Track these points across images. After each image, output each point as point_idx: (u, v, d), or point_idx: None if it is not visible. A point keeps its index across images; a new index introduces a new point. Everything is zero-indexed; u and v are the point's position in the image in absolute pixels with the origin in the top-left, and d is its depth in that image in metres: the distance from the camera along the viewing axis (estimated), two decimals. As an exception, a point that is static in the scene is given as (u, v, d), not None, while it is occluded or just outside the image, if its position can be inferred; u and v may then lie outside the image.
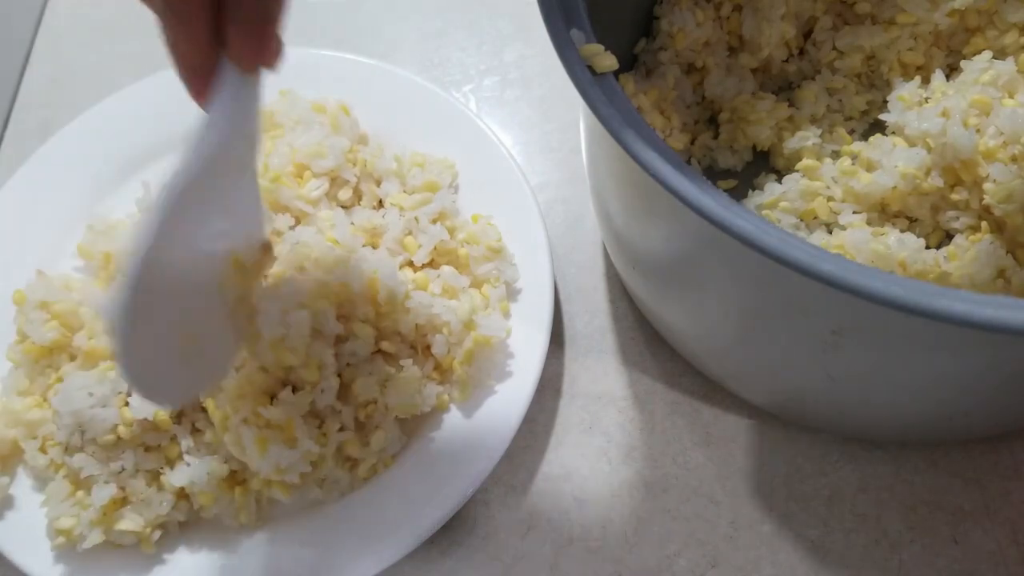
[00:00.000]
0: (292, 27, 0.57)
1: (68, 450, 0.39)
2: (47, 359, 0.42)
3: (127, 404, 0.39)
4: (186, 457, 0.39)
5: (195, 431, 0.40)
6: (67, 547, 0.39)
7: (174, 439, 0.40)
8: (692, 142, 0.48)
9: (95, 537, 0.38)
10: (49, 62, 0.58)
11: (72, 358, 0.42)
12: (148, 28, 0.63)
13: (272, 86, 0.48)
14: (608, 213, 0.39)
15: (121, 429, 0.38)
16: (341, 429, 0.40)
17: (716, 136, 0.48)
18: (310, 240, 0.40)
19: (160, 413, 0.38)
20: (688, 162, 0.47)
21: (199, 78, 0.29)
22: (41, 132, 0.55)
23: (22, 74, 0.57)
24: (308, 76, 0.50)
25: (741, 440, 0.43)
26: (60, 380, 0.41)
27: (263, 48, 0.28)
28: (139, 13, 0.61)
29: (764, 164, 0.48)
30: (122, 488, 0.39)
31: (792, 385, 0.37)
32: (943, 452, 0.42)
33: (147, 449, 0.40)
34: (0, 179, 0.49)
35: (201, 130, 0.28)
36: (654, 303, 0.41)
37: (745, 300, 0.32)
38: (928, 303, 0.24)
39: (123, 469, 0.39)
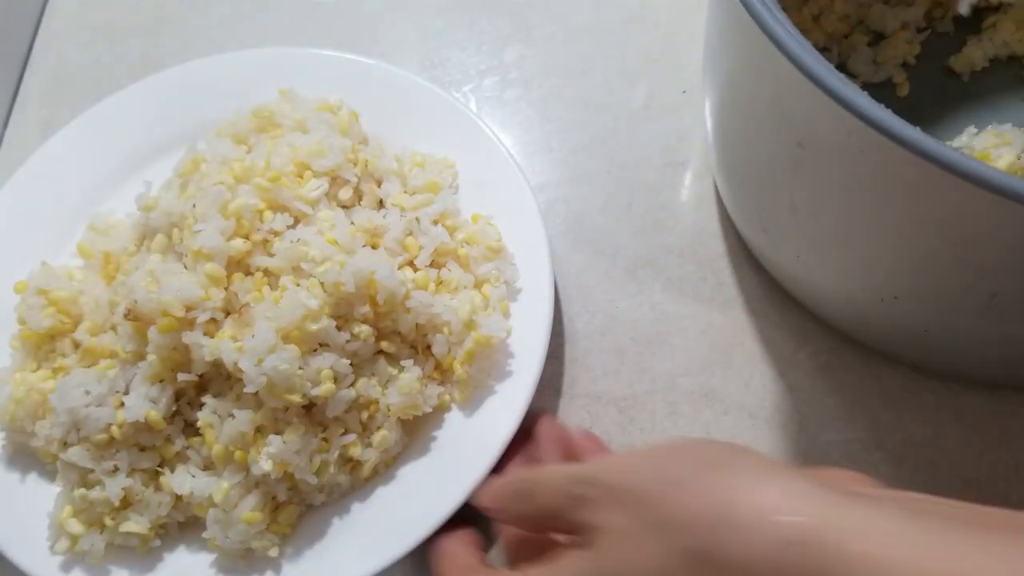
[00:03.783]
0: (292, 27, 0.58)
1: (64, 445, 0.39)
2: (48, 345, 0.42)
3: (122, 404, 0.39)
4: (191, 468, 0.39)
5: (189, 432, 0.40)
6: (69, 551, 0.39)
7: (168, 439, 0.40)
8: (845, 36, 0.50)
9: (99, 546, 0.39)
10: (49, 62, 0.58)
11: (76, 346, 0.42)
12: (148, 28, 0.63)
13: (272, 86, 0.49)
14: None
15: (114, 429, 0.38)
16: (344, 433, 0.40)
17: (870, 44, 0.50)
18: (309, 239, 0.40)
19: (152, 414, 0.38)
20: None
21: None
22: (41, 132, 0.55)
23: (22, 74, 0.57)
24: (308, 76, 0.50)
25: (741, 441, 0.43)
26: (65, 370, 0.41)
27: None
28: (139, 13, 0.61)
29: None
30: (122, 488, 0.39)
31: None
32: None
33: (142, 449, 0.40)
34: (0, 179, 0.49)
35: None
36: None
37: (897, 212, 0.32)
38: None
39: (116, 468, 0.39)
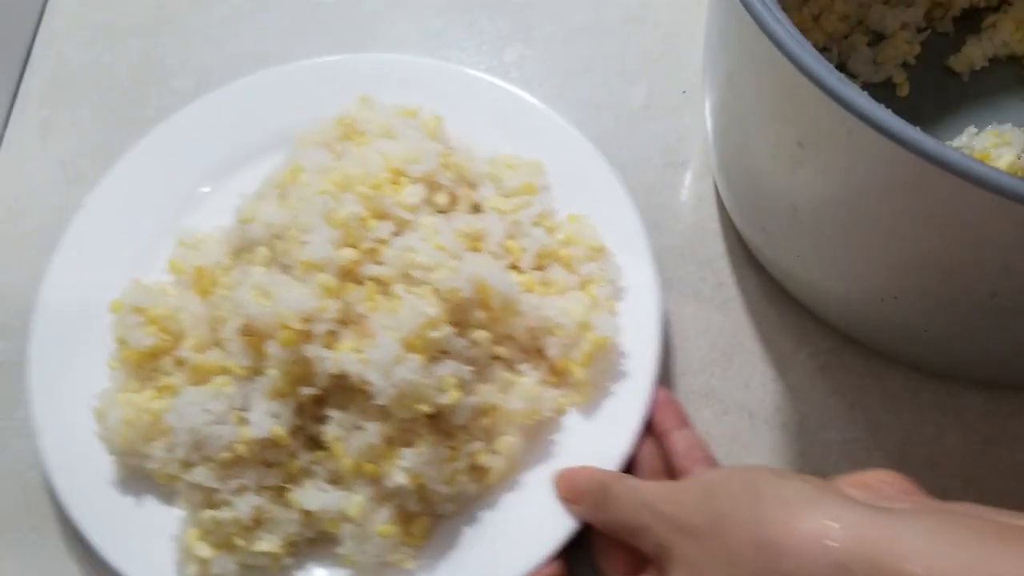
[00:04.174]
0: (292, 27, 0.58)
1: (185, 466, 0.38)
2: (150, 364, 0.41)
3: (243, 421, 0.38)
4: (320, 483, 0.38)
5: (311, 446, 0.39)
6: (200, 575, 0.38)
7: (293, 454, 0.39)
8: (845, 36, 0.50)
9: (231, 568, 0.38)
10: (49, 62, 0.58)
11: (179, 364, 0.41)
12: (148, 28, 0.63)
13: (349, 93, 0.47)
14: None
15: (239, 447, 0.37)
16: (469, 440, 0.39)
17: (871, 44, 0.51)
18: (417, 246, 0.39)
19: (278, 429, 0.37)
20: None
21: None
22: (41, 132, 0.55)
23: (22, 74, 0.57)
24: (380, 82, 0.49)
25: (741, 441, 0.43)
26: (170, 388, 0.40)
27: None
28: (139, 13, 0.61)
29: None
30: (252, 507, 0.38)
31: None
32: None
33: (268, 466, 0.39)
34: (0, 179, 0.49)
35: None
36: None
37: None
38: None
39: (243, 487, 0.38)
